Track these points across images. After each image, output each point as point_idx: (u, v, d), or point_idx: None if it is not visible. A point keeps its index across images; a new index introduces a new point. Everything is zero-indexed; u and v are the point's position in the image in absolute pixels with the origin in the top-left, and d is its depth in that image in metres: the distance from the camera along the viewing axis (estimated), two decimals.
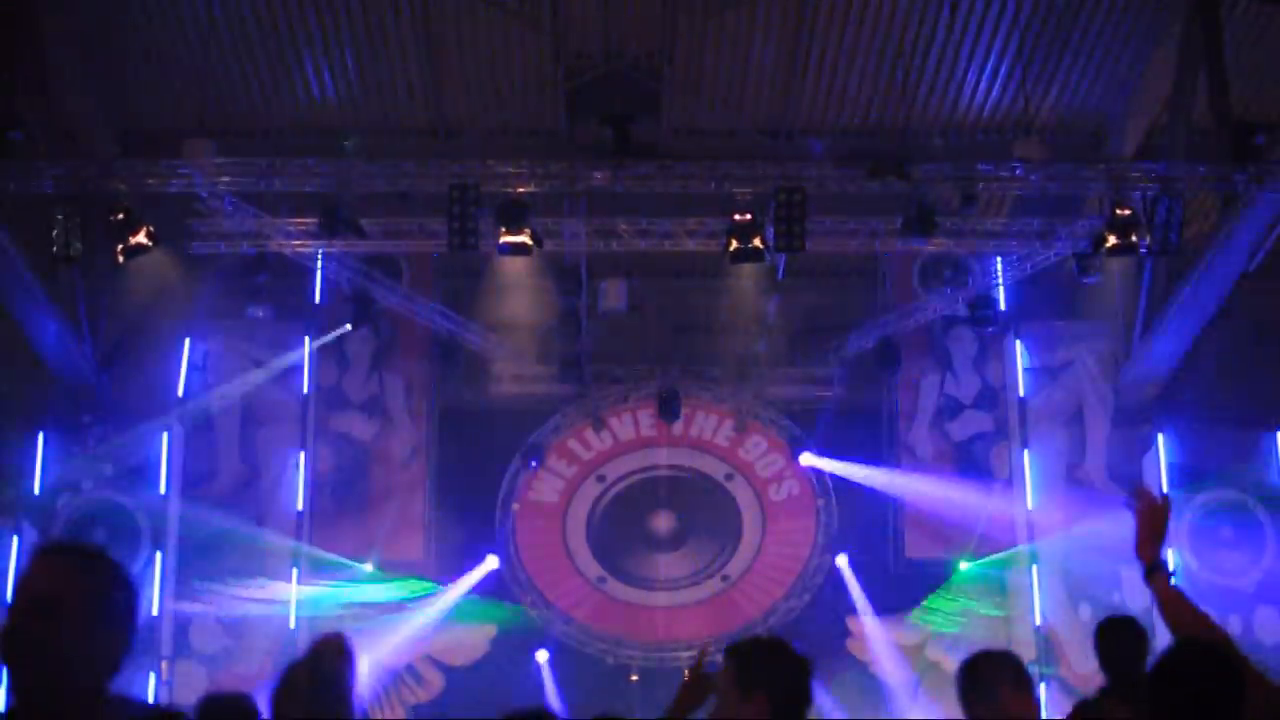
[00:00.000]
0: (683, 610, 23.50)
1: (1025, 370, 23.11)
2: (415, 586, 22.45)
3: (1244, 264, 19.94)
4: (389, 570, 22.35)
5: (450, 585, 22.66)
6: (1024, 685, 6.12)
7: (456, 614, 22.60)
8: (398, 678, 22.24)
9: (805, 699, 5.77)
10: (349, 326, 22.49)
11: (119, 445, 21.93)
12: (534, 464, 23.70)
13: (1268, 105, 20.24)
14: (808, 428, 23.91)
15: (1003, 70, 21.49)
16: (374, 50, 21.19)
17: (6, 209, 18.56)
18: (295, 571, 22.02)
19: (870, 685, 22.64)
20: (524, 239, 19.34)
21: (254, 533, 22.00)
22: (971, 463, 23.35)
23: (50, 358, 20.96)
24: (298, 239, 20.80)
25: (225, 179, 19.48)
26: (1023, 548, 22.53)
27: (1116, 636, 8.56)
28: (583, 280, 21.75)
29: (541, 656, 22.75)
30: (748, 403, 24.10)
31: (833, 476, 23.64)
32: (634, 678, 22.84)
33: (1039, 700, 6.13)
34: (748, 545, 23.88)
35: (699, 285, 22.39)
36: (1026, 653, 21.39)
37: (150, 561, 21.52)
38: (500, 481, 23.64)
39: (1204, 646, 5.51)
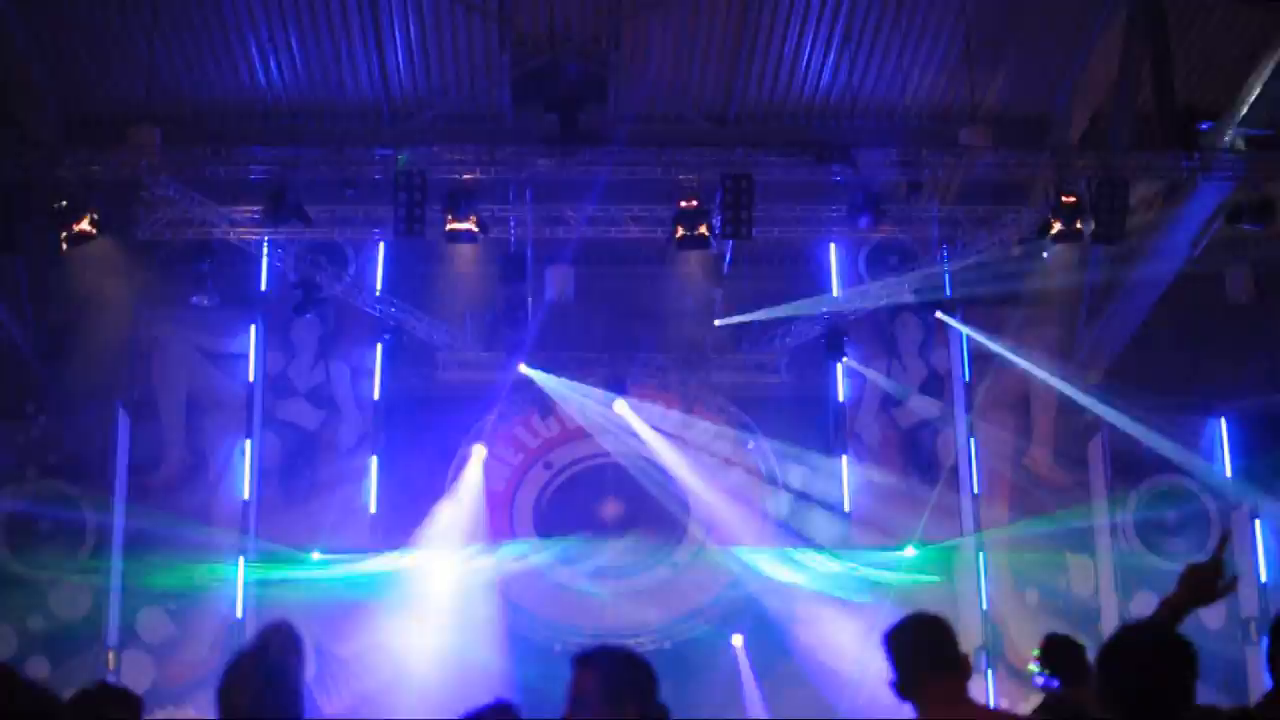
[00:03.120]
0: (630, 597, 23.48)
1: (971, 357, 23.15)
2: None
3: (1188, 251, 20.08)
4: (335, 558, 22.25)
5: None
6: (944, 652, 6.11)
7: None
8: (345, 666, 22.13)
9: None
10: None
11: (63, 434, 21.78)
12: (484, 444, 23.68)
13: (1211, 92, 20.34)
14: (754, 414, 23.94)
15: (949, 57, 21.55)
16: (319, 36, 21.13)
17: None
18: (241, 560, 21.93)
19: (818, 672, 22.68)
20: (470, 226, 19.34)
21: (200, 520, 21.95)
22: (918, 449, 23.43)
23: None
24: (243, 226, 20.72)
25: (170, 165, 19.40)
26: (969, 534, 22.60)
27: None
28: (528, 267, 21.70)
29: None
30: (694, 389, 24.09)
31: (780, 460, 23.72)
32: None
33: (963, 666, 6.09)
34: (695, 532, 23.87)
35: (645, 272, 22.39)
36: (973, 638, 21.48)
37: (96, 552, 21.38)
38: (446, 469, 23.56)
39: (1152, 628, 5.53)
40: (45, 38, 20.70)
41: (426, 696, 21.45)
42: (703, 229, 19.42)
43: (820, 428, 23.83)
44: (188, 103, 21.59)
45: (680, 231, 19.56)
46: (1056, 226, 19.33)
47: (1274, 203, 19.19)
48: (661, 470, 23.84)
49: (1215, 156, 18.88)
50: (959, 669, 6.08)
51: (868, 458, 23.43)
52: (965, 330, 23.05)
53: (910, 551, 22.70)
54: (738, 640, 22.92)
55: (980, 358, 23.08)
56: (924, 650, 6.08)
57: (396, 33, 21.24)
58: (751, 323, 23.10)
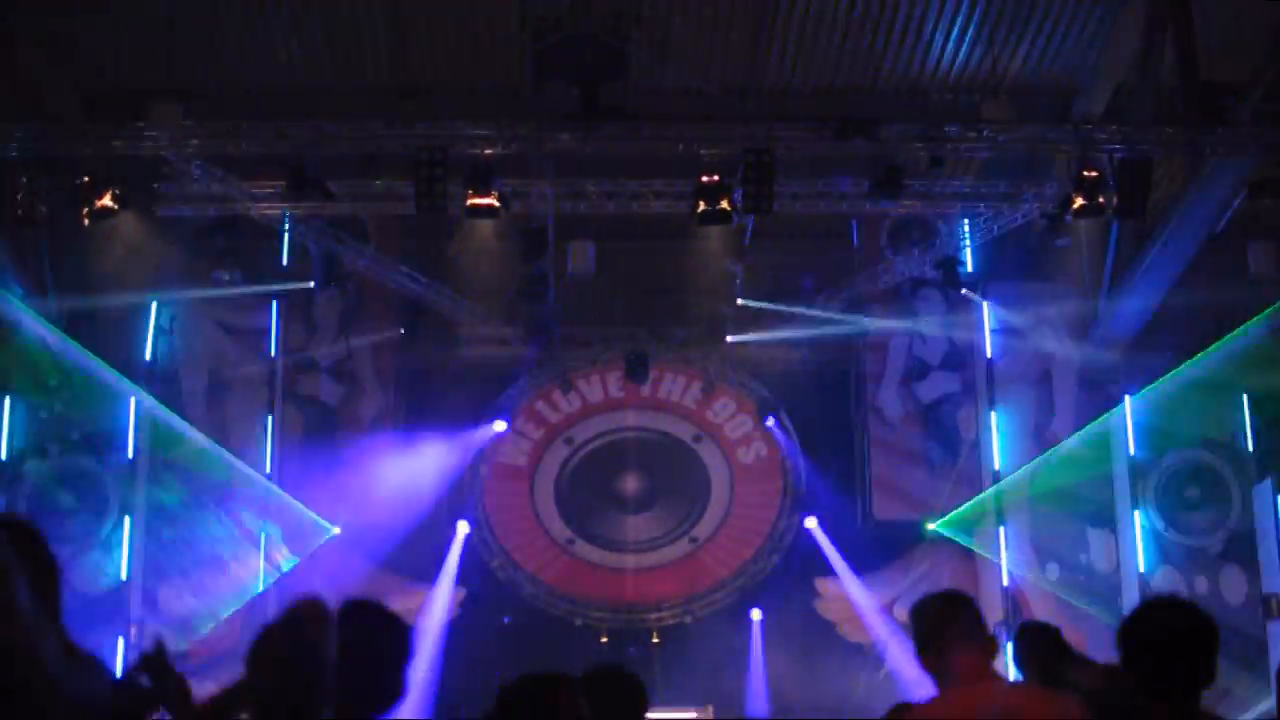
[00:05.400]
0: (651, 572, 23.53)
1: (993, 331, 23.13)
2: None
3: (1211, 225, 20.00)
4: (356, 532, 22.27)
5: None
6: (975, 631, 6.10)
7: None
8: None
9: None
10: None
11: (85, 410, 21.82)
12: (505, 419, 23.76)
13: (1234, 65, 20.24)
14: (776, 389, 23.95)
15: (970, 31, 21.46)
16: (340, 11, 21.09)
17: None
18: (263, 535, 21.98)
19: (839, 646, 22.72)
20: (491, 201, 19.32)
21: (222, 496, 21.99)
22: (939, 424, 23.41)
23: (16, 322, 20.87)
24: (265, 201, 20.73)
25: (192, 141, 19.40)
26: (990, 508, 22.59)
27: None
28: (550, 242, 21.70)
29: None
30: (716, 365, 24.12)
31: (801, 435, 23.74)
32: (604, 640, 22.89)
33: (989, 643, 6.08)
34: (716, 507, 23.91)
35: (667, 247, 22.36)
36: (994, 613, 21.50)
37: (119, 526, 21.46)
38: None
39: (1173, 600, 5.53)
40: (67, 12, 20.68)
41: (450, 671, 21.54)
42: (724, 203, 19.38)
43: (842, 403, 23.83)
44: (209, 78, 21.55)
45: (701, 206, 19.52)
46: (1079, 201, 19.28)
47: None
48: (683, 445, 23.94)
49: (1238, 130, 18.80)
50: (985, 646, 6.08)
51: (889, 432, 23.43)
52: (987, 304, 23.03)
53: (932, 526, 22.70)
54: (757, 615, 22.94)
55: (1002, 332, 23.07)
56: (951, 627, 6.07)
57: (416, 7, 21.19)
58: (774, 298, 23.11)
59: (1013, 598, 22.16)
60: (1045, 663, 8.34)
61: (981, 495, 22.63)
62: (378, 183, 20.76)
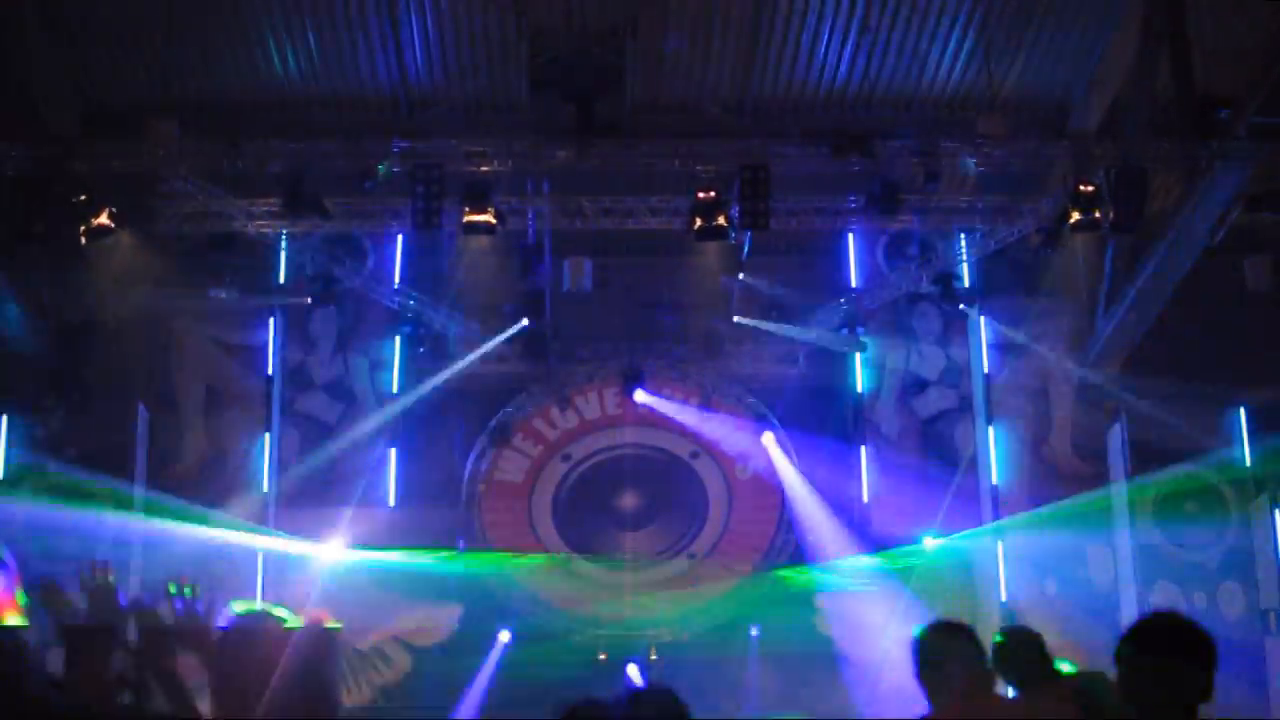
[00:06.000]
0: (649, 589, 23.48)
1: (990, 347, 23.12)
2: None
3: (1207, 239, 20.00)
4: (354, 551, 22.22)
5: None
6: (974, 656, 6.11)
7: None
8: (364, 659, 22.17)
9: None
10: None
11: (82, 428, 21.78)
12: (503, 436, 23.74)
13: (1230, 79, 20.26)
14: (773, 405, 23.93)
15: (966, 46, 21.50)
16: (336, 28, 21.12)
17: None
18: (260, 554, 21.94)
19: (837, 661, 22.67)
20: (488, 218, 19.35)
21: (219, 514, 21.94)
22: (937, 439, 23.40)
23: (12, 340, 20.86)
24: (261, 219, 20.74)
25: (189, 159, 19.42)
26: (988, 524, 22.57)
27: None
28: (547, 259, 21.70)
29: (503, 638, 22.69)
30: (713, 380, 24.08)
31: (799, 452, 23.68)
32: (602, 656, 22.83)
33: (988, 673, 6.10)
34: (714, 523, 23.86)
35: (664, 263, 22.38)
36: (992, 629, 21.44)
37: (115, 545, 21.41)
38: (465, 462, 23.56)
39: (1171, 615, 5.52)
40: (63, 31, 20.72)
41: (446, 688, 21.51)
42: (721, 220, 19.42)
43: (839, 418, 23.80)
44: (205, 95, 21.57)
45: (698, 222, 19.56)
46: (1075, 215, 19.30)
47: None
48: (680, 461, 23.91)
49: (1234, 144, 18.81)
50: (985, 675, 6.10)
51: (887, 448, 23.40)
52: (984, 320, 23.02)
53: (930, 541, 22.67)
54: (755, 631, 22.90)
55: (999, 347, 23.07)
56: (952, 657, 6.09)
57: (413, 24, 21.22)
58: (770, 313, 23.09)
59: (1010, 613, 22.12)
60: (1028, 670, 8.35)
61: (983, 529, 22.63)
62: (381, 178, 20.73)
